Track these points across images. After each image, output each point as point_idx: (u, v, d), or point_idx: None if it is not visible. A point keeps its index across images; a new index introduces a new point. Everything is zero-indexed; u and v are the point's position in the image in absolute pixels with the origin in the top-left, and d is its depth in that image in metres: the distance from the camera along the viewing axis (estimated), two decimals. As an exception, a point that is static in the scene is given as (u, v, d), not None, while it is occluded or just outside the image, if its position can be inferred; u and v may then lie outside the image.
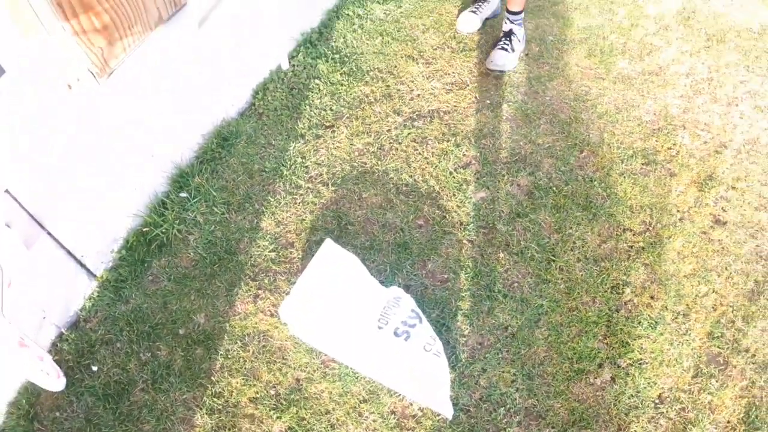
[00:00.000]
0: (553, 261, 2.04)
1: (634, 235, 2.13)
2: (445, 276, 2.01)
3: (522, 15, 2.79)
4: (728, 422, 1.79)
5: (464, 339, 1.89)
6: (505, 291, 1.98)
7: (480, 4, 3.03)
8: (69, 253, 2.05)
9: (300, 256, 2.04)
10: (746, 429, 1.78)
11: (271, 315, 1.93)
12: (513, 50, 2.76)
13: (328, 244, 1.90)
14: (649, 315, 1.97)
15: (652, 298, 2.00)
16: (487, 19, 3.00)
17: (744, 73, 2.68)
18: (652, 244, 2.11)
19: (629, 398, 1.83)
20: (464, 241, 2.08)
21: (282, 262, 2.05)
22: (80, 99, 2.40)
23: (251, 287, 2.01)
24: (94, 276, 2.04)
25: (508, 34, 2.78)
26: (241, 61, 2.58)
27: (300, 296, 1.84)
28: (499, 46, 2.76)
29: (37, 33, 2.16)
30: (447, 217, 2.13)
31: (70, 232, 2.09)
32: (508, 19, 2.79)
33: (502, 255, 2.05)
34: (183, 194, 2.18)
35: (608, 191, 2.22)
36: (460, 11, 3.00)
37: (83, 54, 2.31)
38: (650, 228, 2.14)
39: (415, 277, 2.00)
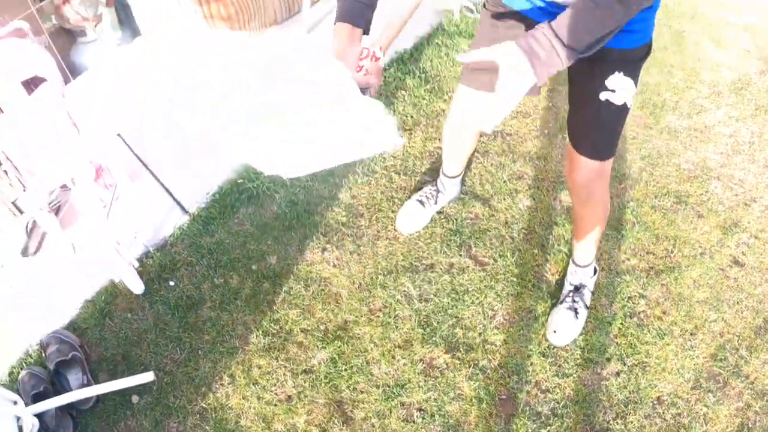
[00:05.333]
0: (580, 266, 2.27)
1: (656, 258, 2.32)
2: (485, 260, 2.26)
3: (594, 263, 2.14)
4: (719, 436, 1.95)
5: (492, 313, 2.13)
6: (534, 281, 2.20)
7: (430, 191, 2.36)
8: (167, 191, 2.39)
9: (367, 225, 2.34)
10: (736, 446, 1.93)
11: (334, 266, 2.22)
12: (585, 309, 2.12)
13: None
14: (659, 326, 2.14)
15: (663, 313, 2.18)
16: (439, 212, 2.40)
17: (785, 144, 2.84)
18: (671, 268, 2.29)
19: (630, 393, 2.00)
20: (506, 237, 2.32)
21: (351, 227, 2.33)
22: (191, 96, 2.85)
23: (321, 241, 2.29)
24: (187, 212, 2.36)
25: (579, 289, 2.13)
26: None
27: None
28: (567, 305, 2.11)
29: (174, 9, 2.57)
30: (495, 215, 2.38)
31: (172, 175, 2.44)
32: (577, 268, 2.13)
33: (536, 252, 2.28)
34: (277, 160, 2.52)
35: (638, 219, 2.42)
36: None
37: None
38: (671, 255, 2.33)
39: (460, 257, 2.26)
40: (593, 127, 1.69)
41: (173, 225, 2.31)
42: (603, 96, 1.60)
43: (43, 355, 1.99)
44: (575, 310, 2.09)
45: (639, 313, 2.18)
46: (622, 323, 2.14)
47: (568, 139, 1.78)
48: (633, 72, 1.58)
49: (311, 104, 1.32)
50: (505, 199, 2.42)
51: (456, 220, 2.35)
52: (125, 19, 2.74)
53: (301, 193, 2.41)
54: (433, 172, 2.47)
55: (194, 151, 2.54)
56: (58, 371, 1.94)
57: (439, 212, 2.37)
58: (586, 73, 1.62)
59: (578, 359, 2.06)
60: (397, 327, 2.09)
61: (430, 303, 2.14)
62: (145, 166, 2.46)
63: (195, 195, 2.41)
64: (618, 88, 1.58)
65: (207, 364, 2.01)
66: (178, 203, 2.38)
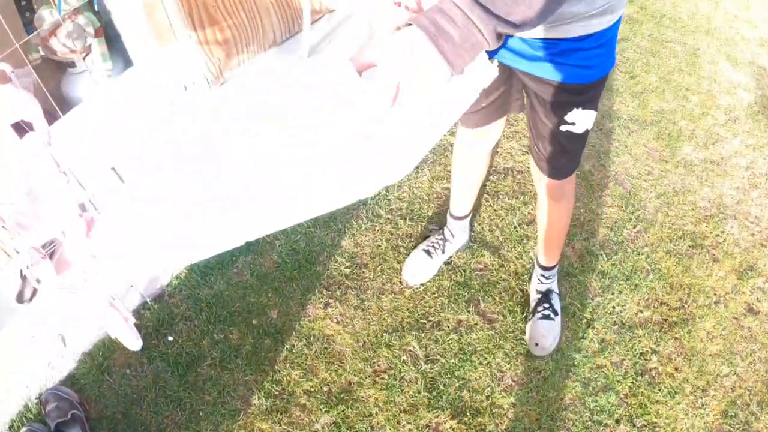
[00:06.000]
0: (592, 321, 2.18)
1: (669, 309, 2.24)
2: (495, 316, 2.18)
3: (557, 269, 2.18)
4: (728, 497, 1.90)
5: (500, 374, 2.06)
6: (544, 340, 2.14)
7: (437, 240, 2.26)
8: (162, 236, 2.30)
9: (371, 277, 2.25)
10: (744, 506, 1.88)
11: (338, 322, 2.14)
12: (557, 314, 2.13)
13: None
14: (670, 384, 2.08)
15: (675, 369, 2.12)
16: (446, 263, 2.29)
17: (803, 174, 2.74)
18: (684, 320, 2.22)
19: (639, 456, 1.97)
20: (516, 290, 2.24)
21: (354, 279, 2.24)
22: (192, 99, 2.71)
23: (324, 295, 2.20)
24: (184, 260, 2.28)
25: (547, 296, 2.15)
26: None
27: None
28: (540, 315, 2.11)
29: (167, 37, 2.43)
30: (505, 266, 2.29)
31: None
32: (542, 276, 2.15)
33: (547, 307, 2.21)
34: (275, 205, 2.41)
35: (653, 266, 2.34)
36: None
37: (203, 61, 2.58)
38: (685, 306, 2.26)
39: (468, 313, 2.18)
40: (557, 155, 1.70)
41: (170, 274, 2.22)
42: (564, 128, 1.59)
43: (43, 411, 1.94)
44: (549, 318, 2.10)
45: (650, 370, 2.11)
46: (633, 382, 2.07)
47: (533, 161, 1.80)
48: (591, 103, 1.56)
49: (312, 108, 1.29)
50: (515, 248, 2.32)
51: (464, 271, 2.26)
52: (115, 50, 2.58)
53: (302, 240, 2.31)
54: (440, 217, 2.36)
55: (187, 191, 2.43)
56: (59, 430, 1.89)
57: (446, 262, 2.27)
58: (544, 107, 1.58)
59: (587, 422, 2.00)
60: (402, 390, 2.01)
61: (436, 364, 2.06)
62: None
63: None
64: (578, 121, 1.57)
65: (208, 427, 1.94)
66: (176, 249, 2.27)
